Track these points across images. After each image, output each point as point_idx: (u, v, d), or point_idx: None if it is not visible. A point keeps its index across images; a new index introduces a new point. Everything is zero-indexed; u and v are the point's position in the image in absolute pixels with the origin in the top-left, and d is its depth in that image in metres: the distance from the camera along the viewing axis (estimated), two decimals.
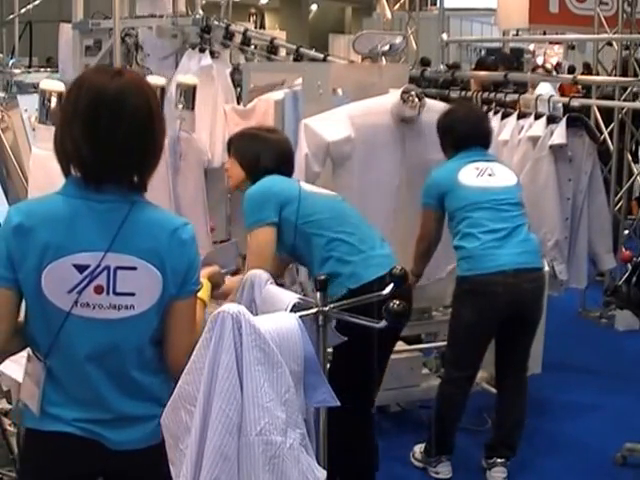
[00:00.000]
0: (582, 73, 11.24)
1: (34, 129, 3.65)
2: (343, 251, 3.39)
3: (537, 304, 4.06)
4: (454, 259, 4.10)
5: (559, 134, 4.89)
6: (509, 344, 4.08)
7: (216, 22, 5.66)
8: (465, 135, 4.14)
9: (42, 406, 2.13)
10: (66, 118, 2.10)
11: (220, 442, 2.04)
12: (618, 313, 6.36)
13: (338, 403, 2.33)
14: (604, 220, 5.34)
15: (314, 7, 24.79)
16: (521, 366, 4.14)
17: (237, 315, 2.08)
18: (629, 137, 6.96)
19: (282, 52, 5.73)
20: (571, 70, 14.01)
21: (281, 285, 3.10)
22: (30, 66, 10.21)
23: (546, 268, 4.34)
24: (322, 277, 2.56)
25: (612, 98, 6.96)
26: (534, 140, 4.97)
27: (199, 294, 2.25)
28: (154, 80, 3.73)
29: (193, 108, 4.38)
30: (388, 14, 11.24)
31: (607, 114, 6.93)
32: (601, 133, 6.56)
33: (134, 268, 2.07)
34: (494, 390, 4.37)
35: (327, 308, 2.51)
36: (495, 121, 4.97)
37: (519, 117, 5.09)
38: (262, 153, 3.47)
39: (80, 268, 2.05)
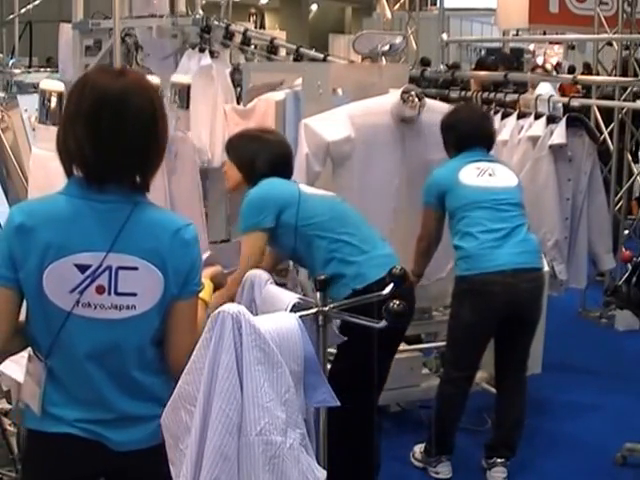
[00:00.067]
0: (582, 73, 11.23)
1: (34, 129, 3.64)
2: (346, 252, 3.39)
3: (536, 304, 4.06)
4: (453, 258, 4.10)
5: (559, 134, 4.89)
6: (508, 344, 4.08)
7: (216, 22, 5.66)
8: (467, 135, 4.15)
9: (43, 406, 2.12)
10: (69, 118, 2.09)
11: (220, 442, 2.04)
12: (618, 313, 6.36)
13: (338, 403, 2.33)
14: (604, 220, 5.35)
15: (314, 7, 24.78)
16: (521, 366, 4.14)
17: (237, 315, 2.08)
18: (629, 137, 6.96)
19: (282, 52, 5.73)
20: (571, 70, 14.01)
21: (282, 285, 3.10)
22: (30, 66, 10.22)
23: (546, 268, 4.35)
24: (322, 277, 2.57)
25: (612, 98, 6.96)
26: (534, 140, 4.97)
27: (201, 294, 2.24)
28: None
29: (188, 107, 4.39)
30: (388, 14, 11.25)
31: (607, 114, 6.93)
32: (601, 133, 6.56)
33: (136, 268, 2.07)
34: (494, 390, 4.37)
35: (327, 308, 2.51)
36: (495, 121, 4.96)
37: (519, 117, 5.10)
38: (259, 156, 3.47)
39: (82, 268, 2.05)
